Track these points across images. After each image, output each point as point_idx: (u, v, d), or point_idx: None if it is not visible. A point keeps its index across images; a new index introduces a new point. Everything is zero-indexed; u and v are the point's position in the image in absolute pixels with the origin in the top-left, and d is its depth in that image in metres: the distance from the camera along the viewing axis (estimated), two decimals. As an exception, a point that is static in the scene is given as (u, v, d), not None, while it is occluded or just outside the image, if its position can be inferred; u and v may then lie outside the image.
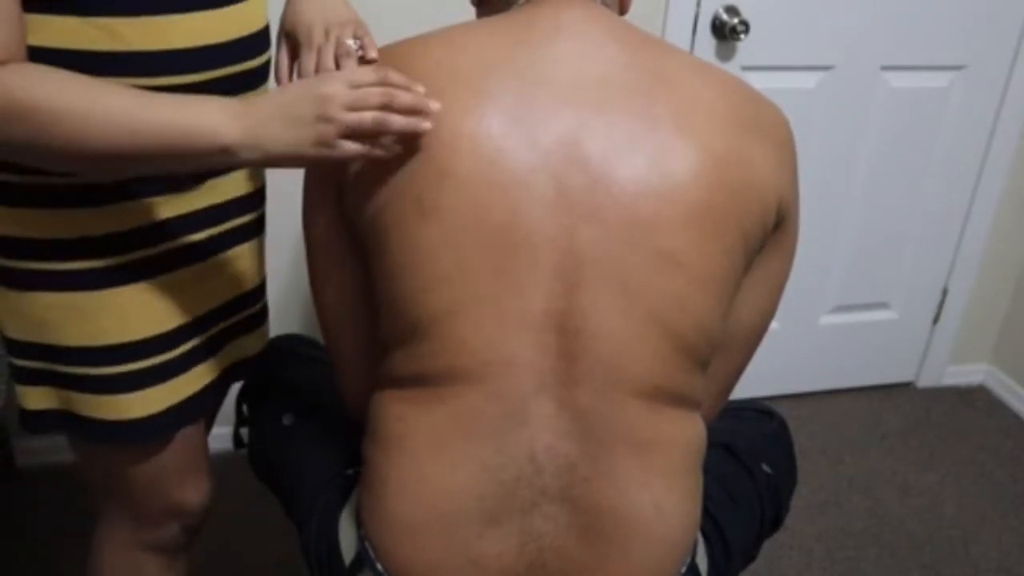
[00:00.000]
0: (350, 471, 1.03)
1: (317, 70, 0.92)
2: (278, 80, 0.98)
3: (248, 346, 1.17)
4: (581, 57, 0.86)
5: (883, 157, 2.11)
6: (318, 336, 1.15)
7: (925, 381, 2.45)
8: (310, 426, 1.11)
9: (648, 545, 0.88)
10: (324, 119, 0.83)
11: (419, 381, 0.88)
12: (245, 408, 1.24)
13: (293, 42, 0.98)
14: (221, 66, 0.96)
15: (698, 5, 1.84)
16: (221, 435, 1.36)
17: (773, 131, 0.91)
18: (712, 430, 1.01)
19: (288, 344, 1.27)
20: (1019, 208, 2.27)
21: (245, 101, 0.85)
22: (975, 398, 2.44)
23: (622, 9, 1.00)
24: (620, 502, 0.87)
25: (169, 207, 1.00)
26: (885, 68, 2.01)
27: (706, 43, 1.88)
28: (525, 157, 0.83)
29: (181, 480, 1.14)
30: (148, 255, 0.99)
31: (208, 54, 0.94)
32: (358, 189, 0.88)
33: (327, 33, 0.94)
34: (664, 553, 0.90)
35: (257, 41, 1.01)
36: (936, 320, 2.38)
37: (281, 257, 1.85)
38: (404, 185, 0.84)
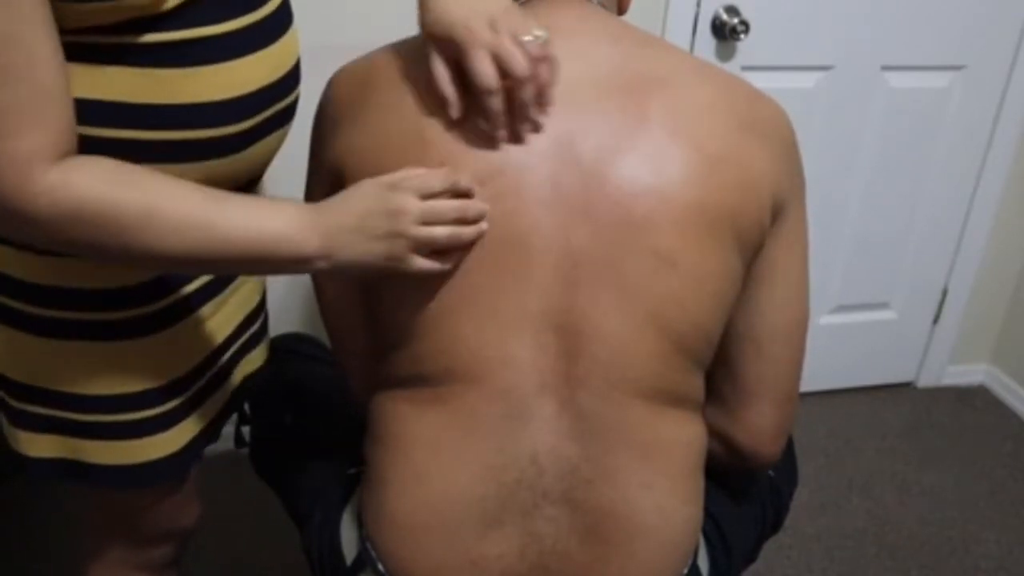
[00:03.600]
0: (351, 471, 1.03)
1: (502, 74, 0.79)
2: (444, 93, 0.81)
3: (255, 359, 1.14)
4: (577, 57, 0.86)
5: (883, 157, 2.11)
6: (319, 335, 1.15)
7: (925, 381, 2.45)
8: (311, 425, 1.12)
9: (650, 546, 0.88)
10: (397, 235, 0.81)
11: (419, 381, 0.88)
12: (247, 407, 1.24)
13: (449, 46, 0.81)
14: (267, 108, 0.90)
15: (698, 5, 1.84)
16: (222, 434, 1.35)
17: (772, 129, 0.91)
18: (778, 451, 1.01)
19: (289, 344, 1.27)
20: (1019, 208, 2.27)
21: (317, 209, 0.83)
22: (975, 398, 2.44)
23: (621, 9, 1.00)
24: (622, 504, 0.87)
25: None
26: (885, 68, 2.01)
27: (706, 43, 1.88)
28: (519, 157, 0.82)
29: (181, 506, 1.12)
30: (177, 299, 0.95)
31: (257, 98, 0.88)
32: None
33: (493, 27, 0.79)
34: (666, 554, 0.90)
35: (295, 75, 0.95)
36: (936, 320, 2.38)
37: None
38: (401, 187, 0.84)
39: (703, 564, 0.98)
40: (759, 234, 0.90)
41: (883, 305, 2.32)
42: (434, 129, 0.83)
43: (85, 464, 0.97)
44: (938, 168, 2.16)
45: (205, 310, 0.99)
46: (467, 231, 0.82)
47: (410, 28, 0.97)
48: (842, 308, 2.28)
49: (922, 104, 2.07)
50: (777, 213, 0.91)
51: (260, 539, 1.17)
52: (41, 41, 0.71)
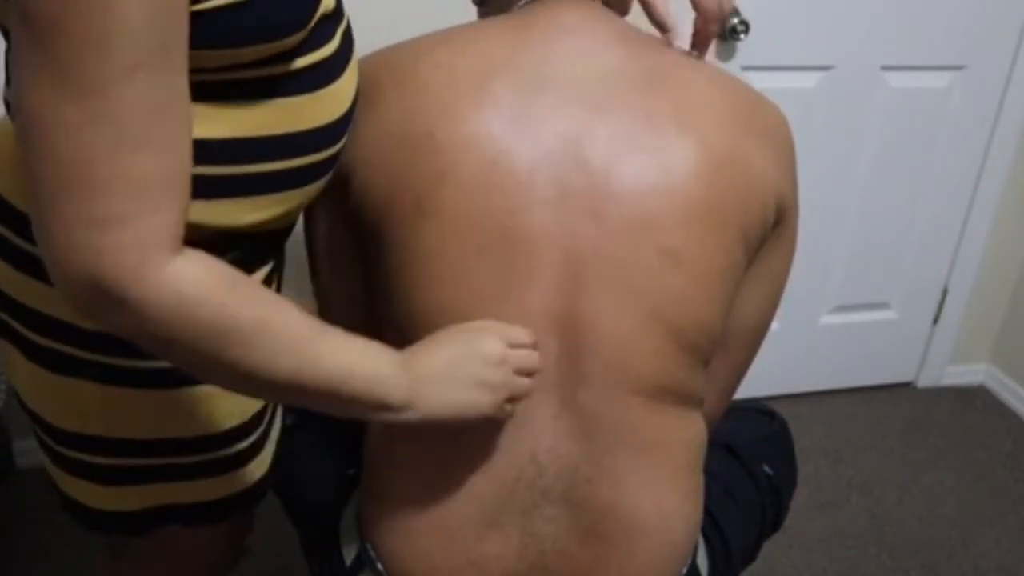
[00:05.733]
0: (351, 471, 1.03)
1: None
2: (662, 22, 0.96)
3: None
4: (582, 57, 0.86)
5: (883, 157, 2.11)
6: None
7: (925, 381, 2.45)
8: (311, 426, 1.11)
9: (649, 545, 0.88)
10: (498, 384, 0.81)
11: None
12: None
13: None
14: (342, 137, 0.86)
15: (698, 5, 1.84)
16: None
17: (773, 130, 0.91)
18: (713, 430, 1.01)
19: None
20: (1019, 208, 2.27)
21: (406, 356, 0.80)
22: (975, 398, 2.44)
23: (623, 10, 1.00)
24: (622, 503, 0.87)
25: None
26: (885, 68, 2.01)
27: (706, 43, 1.88)
28: (526, 157, 0.83)
29: (238, 537, 1.12)
30: None
31: (351, 112, 0.85)
32: (359, 190, 0.88)
33: None
34: (665, 554, 0.90)
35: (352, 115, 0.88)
36: (936, 320, 2.38)
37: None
38: (405, 187, 0.84)
39: (702, 563, 0.98)
40: (762, 235, 0.90)
41: (883, 305, 2.32)
42: (444, 130, 0.83)
43: (181, 506, 0.97)
44: (938, 168, 2.16)
45: None
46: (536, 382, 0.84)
47: (411, 29, 0.97)
48: (842, 308, 2.28)
49: (922, 104, 2.07)
50: (779, 216, 0.92)
51: (260, 539, 1.17)
52: (187, 111, 0.67)
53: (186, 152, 0.67)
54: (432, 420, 0.80)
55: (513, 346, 0.82)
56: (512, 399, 0.83)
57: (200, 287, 0.68)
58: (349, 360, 0.76)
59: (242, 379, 0.74)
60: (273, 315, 0.73)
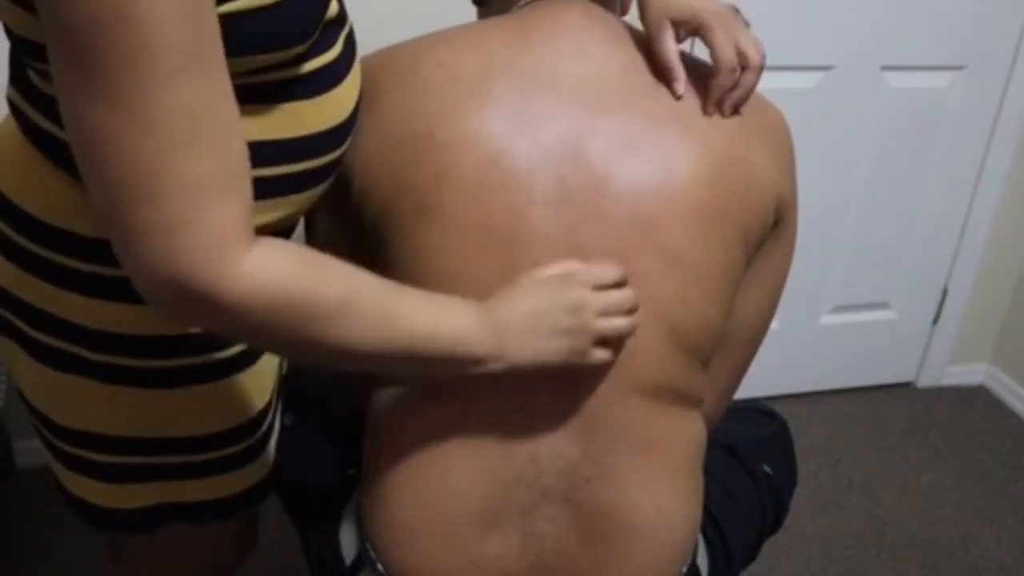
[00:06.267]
0: (351, 471, 1.03)
1: (742, 63, 0.87)
2: (673, 66, 0.87)
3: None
4: (583, 57, 0.86)
5: (883, 157, 2.11)
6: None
7: (925, 381, 2.45)
8: (311, 426, 1.11)
9: (649, 546, 0.88)
10: (579, 329, 0.81)
11: (420, 381, 0.88)
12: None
13: (689, 26, 0.88)
14: (345, 141, 0.86)
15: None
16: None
17: (772, 131, 0.92)
18: (713, 431, 1.01)
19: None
20: (1019, 208, 2.27)
21: (486, 308, 0.80)
22: (975, 398, 2.44)
23: (623, 10, 1.00)
24: (622, 503, 0.87)
25: None
26: (885, 68, 2.01)
27: (706, 43, 1.88)
28: (527, 157, 0.83)
29: (243, 537, 1.13)
30: None
31: (353, 117, 0.85)
32: (360, 190, 0.88)
33: (733, 18, 0.89)
34: (665, 554, 0.90)
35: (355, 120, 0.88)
36: (936, 320, 2.38)
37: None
38: (406, 186, 0.84)
39: (702, 563, 0.98)
40: (762, 235, 0.90)
41: (883, 305, 2.32)
42: (444, 129, 0.83)
43: (185, 504, 0.97)
44: (938, 168, 2.16)
45: None
46: (636, 320, 0.83)
47: (412, 29, 0.97)
48: (842, 308, 2.28)
49: (922, 104, 2.07)
50: (779, 216, 0.92)
51: (260, 540, 1.18)
52: (235, 109, 0.67)
53: (239, 147, 0.68)
54: (516, 369, 0.81)
55: (598, 287, 0.82)
56: (605, 342, 0.83)
57: (280, 274, 0.68)
58: (432, 321, 0.77)
59: (332, 354, 0.74)
60: (354, 288, 0.74)
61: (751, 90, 0.88)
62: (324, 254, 0.74)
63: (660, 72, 0.87)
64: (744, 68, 0.87)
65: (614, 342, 0.83)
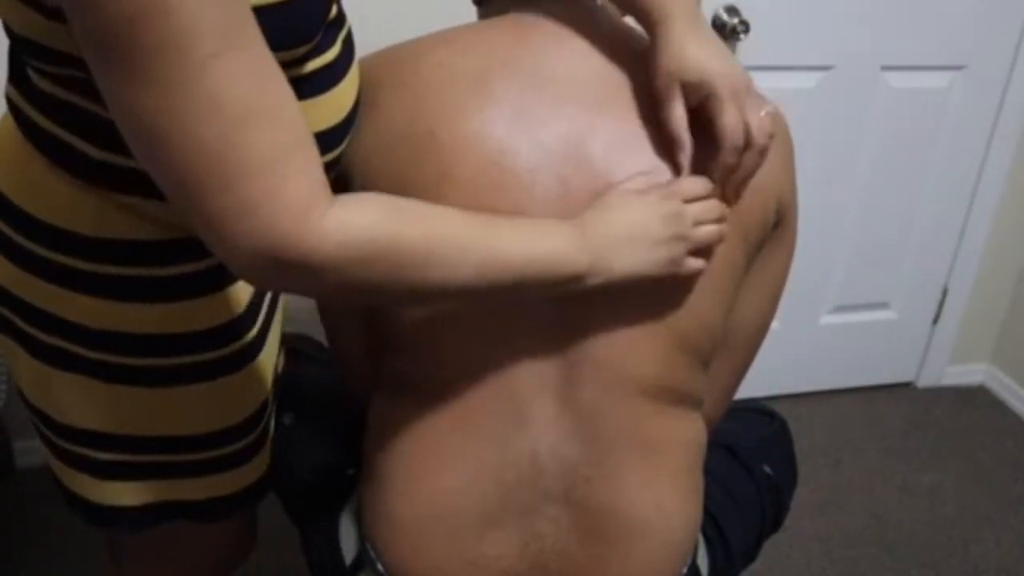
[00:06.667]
0: (351, 471, 1.03)
1: (746, 141, 0.82)
2: (679, 135, 0.82)
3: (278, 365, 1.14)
4: (583, 57, 0.86)
5: (883, 157, 2.11)
6: (318, 336, 1.15)
7: (925, 381, 2.45)
8: (311, 426, 1.11)
9: (649, 546, 0.88)
10: (678, 238, 0.81)
11: (420, 381, 0.88)
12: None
13: (699, 93, 0.82)
14: (343, 141, 0.86)
15: (698, 5, 1.84)
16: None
17: (776, 134, 0.91)
18: (713, 431, 1.01)
19: (289, 343, 1.27)
20: (1019, 208, 2.27)
21: (581, 222, 0.80)
22: (975, 398, 2.44)
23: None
24: (622, 503, 0.87)
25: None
26: (885, 68, 2.01)
27: (706, 43, 1.88)
28: (528, 157, 0.83)
29: (243, 536, 1.13)
30: (255, 332, 0.95)
31: (352, 117, 0.86)
32: (360, 189, 0.87)
33: (747, 92, 0.83)
34: (666, 554, 0.90)
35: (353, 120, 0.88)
36: (936, 320, 2.38)
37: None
38: (406, 186, 0.84)
39: (702, 563, 0.98)
40: (762, 235, 0.90)
41: (883, 305, 2.32)
42: (445, 129, 0.83)
43: (184, 502, 0.98)
44: (938, 168, 2.16)
45: (270, 338, 0.99)
46: (726, 228, 0.84)
47: (412, 29, 0.97)
48: (842, 308, 2.28)
49: (922, 104, 2.07)
50: (779, 217, 0.92)
51: (260, 539, 1.18)
52: (282, 77, 0.67)
53: (294, 110, 0.68)
54: (618, 282, 0.80)
55: (688, 200, 0.82)
56: (698, 252, 0.83)
57: (364, 227, 0.69)
58: (526, 245, 0.77)
59: (433, 294, 0.76)
60: (442, 227, 0.74)
61: (753, 172, 0.84)
62: (407, 198, 0.75)
63: (665, 140, 0.83)
64: (747, 147, 0.82)
65: (705, 251, 0.84)
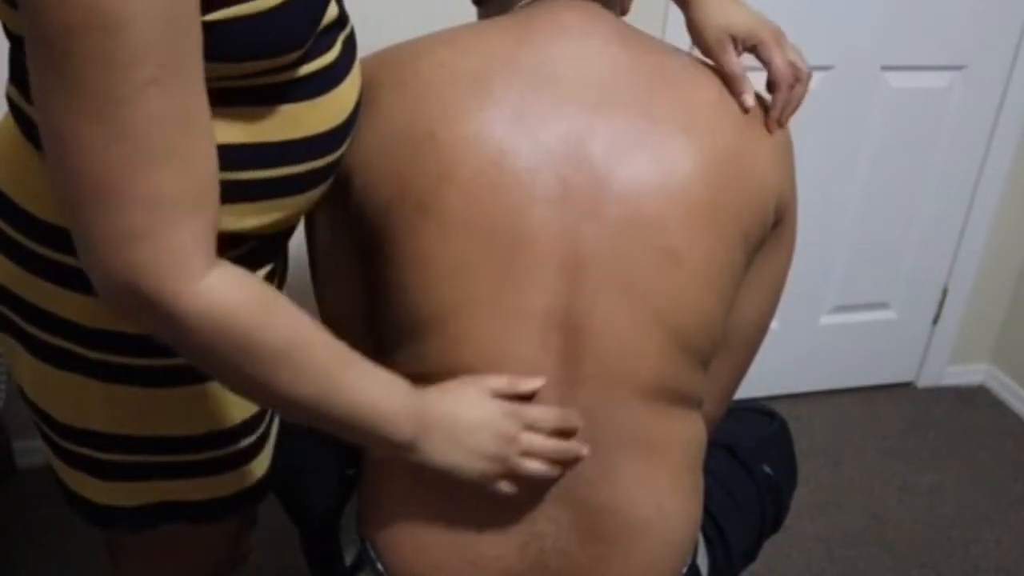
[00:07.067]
0: (351, 471, 1.03)
1: (796, 76, 0.93)
2: (741, 79, 0.91)
3: None
4: (583, 57, 0.86)
5: (883, 157, 2.11)
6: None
7: (925, 381, 2.45)
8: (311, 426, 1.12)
9: (649, 545, 0.88)
10: (499, 459, 0.83)
11: (421, 380, 0.88)
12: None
13: (749, 43, 0.94)
14: (344, 143, 0.86)
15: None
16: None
17: (776, 133, 0.92)
18: (713, 431, 1.01)
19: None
20: (1019, 208, 2.27)
21: (425, 402, 0.82)
22: (975, 398, 2.44)
23: (622, 10, 1.00)
24: (622, 502, 0.87)
25: None
26: (885, 68, 2.01)
27: (706, 43, 1.88)
28: (528, 157, 0.83)
29: (240, 536, 1.13)
30: None
31: (352, 119, 0.86)
32: (360, 190, 0.88)
33: (783, 40, 0.95)
34: (666, 553, 0.90)
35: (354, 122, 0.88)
36: (936, 320, 2.38)
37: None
38: (407, 187, 0.84)
39: (702, 563, 0.98)
40: (762, 235, 0.91)
41: (883, 305, 2.32)
42: (446, 130, 0.83)
43: (183, 503, 0.98)
44: (938, 168, 2.16)
45: None
46: (556, 471, 0.85)
47: (412, 29, 0.97)
48: (842, 308, 2.28)
49: (922, 104, 2.07)
50: (778, 217, 0.92)
51: (260, 539, 1.18)
52: (208, 125, 0.67)
53: (209, 164, 0.68)
54: (427, 467, 0.83)
55: (534, 429, 0.84)
56: (511, 477, 0.84)
57: (230, 305, 0.69)
58: (367, 395, 0.78)
59: (267, 397, 0.78)
60: (302, 341, 0.75)
61: (801, 101, 0.94)
62: (286, 299, 0.75)
63: (728, 84, 0.91)
64: (797, 81, 0.93)
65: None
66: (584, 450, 0.85)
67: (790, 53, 0.94)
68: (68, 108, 0.61)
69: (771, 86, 0.93)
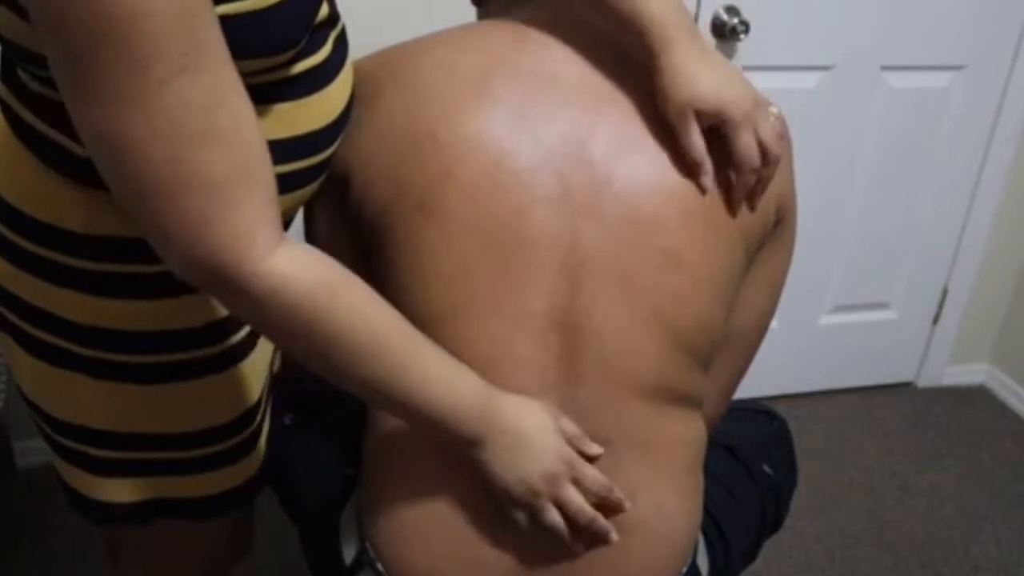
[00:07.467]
0: (350, 471, 1.02)
1: (763, 161, 0.84)
2: (700, 160, 0.83)
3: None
4: (584, 57, 0.86)
5: (883, 157, 2.11)
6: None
7: (925, 381, 2.45)
8: (311, 426, 1.11)
9: (649, 545, 0.88)
10: (534, 494, 0.82)
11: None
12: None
13: (714, 119, 0.83)
14: (345, 126, 0.87)
15: (698, 5, 1.84)
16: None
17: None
18: (713, 431, 1.01)
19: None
20: (1019, 208, 2.27)
21: (494, 398, 0.81)
22: (975, 398, 2.44)
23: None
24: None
25: None
26: (885, 68, 2.01)
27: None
28: (528, 157, 0.83)
29: (240, 533, 1.13)
30: (248, 329, 0.95)
31: (343, 118, 0.86)
32: (360, 189, 0.88)
33: (759, 113, 0.85)
34: (666, 553, 0.90)
35: (346, 120, 0.88)
36: (936, 320, 2.38)
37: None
38: (407, 186, 0.84)
39: (702, 563, 0.98)
40: (762, 236, 0.91)
41: (883, 305, 2.32)
42: (446, 130, 0.83)
43: (179, 500, 0.98)
44: (938, 168, 2.16)
45: (263, 337, 0.99)
46: (569, 535, 0.84)
47: (412, 29, 0.97)
48: (842, 308, 2.28)
49: (922, 104, 2.07)
50: (778, 217, 0.92)
51: (259, 539, 1.18)
52: (244, 102, 0.67)
53: (254, 139, 0.68)
54: (477, 466, 0.82)
55: (580, 486, 0.83)
56: (531, 514, 0.83)
57: (296, 286, 0.70)
58: (436, 388, 0.78)
59: (332, 371, 0.77)
60: (372, 328, 0.75)
61: (769, 182, 0.86)
62: (360, 282, 0.75)
63: (687, 166, 0.84)
64: (764, 164, 0.85)
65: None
66: (614, 536, 0.84)
67: (762, 130, 0.83)
68: (101, 108, 0.62)
69: (735, 168, 0.84)
